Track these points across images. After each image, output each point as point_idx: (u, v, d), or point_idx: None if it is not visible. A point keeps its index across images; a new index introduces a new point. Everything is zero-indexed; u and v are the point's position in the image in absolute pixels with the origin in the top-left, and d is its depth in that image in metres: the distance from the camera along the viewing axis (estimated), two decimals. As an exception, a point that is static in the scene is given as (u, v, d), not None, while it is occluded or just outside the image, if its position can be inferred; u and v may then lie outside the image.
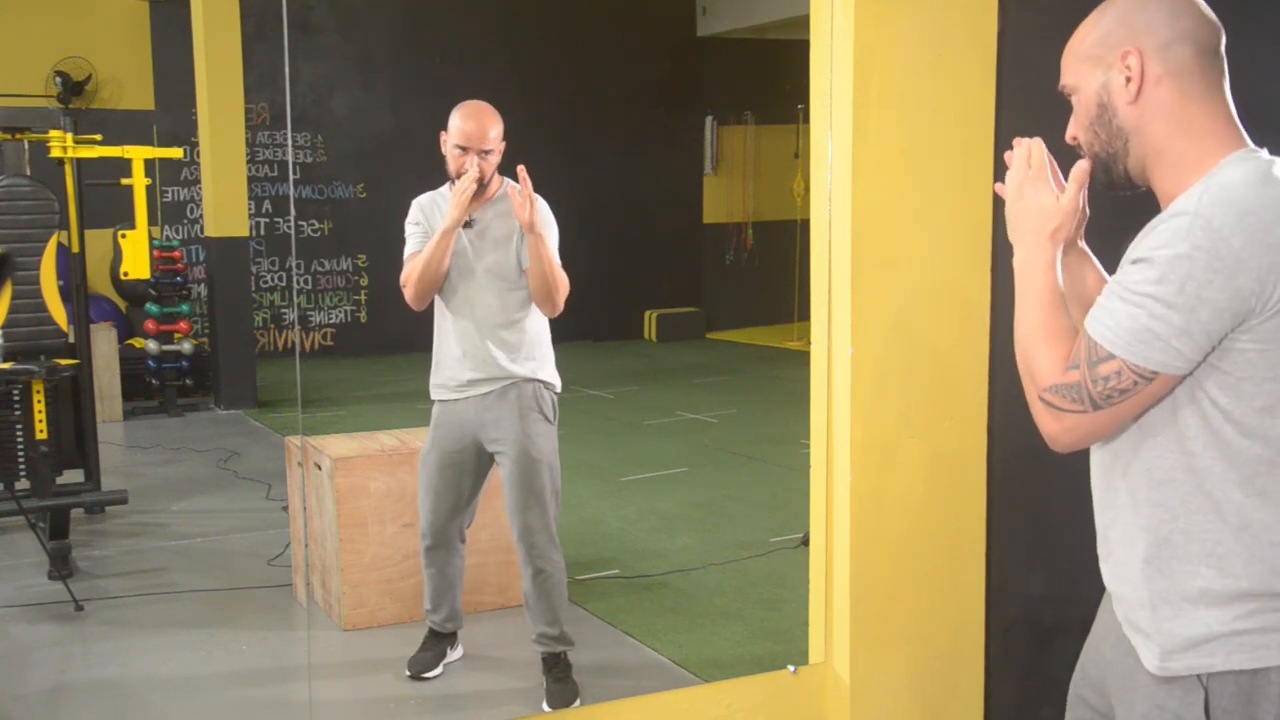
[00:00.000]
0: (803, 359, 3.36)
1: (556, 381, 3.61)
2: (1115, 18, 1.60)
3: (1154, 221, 1.53)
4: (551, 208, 3.53)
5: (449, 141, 3.45)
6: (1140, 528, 1.60)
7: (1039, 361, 1.59)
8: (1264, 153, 1.57)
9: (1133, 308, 1.48)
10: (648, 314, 12.61)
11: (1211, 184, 1.49)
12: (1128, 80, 1.57)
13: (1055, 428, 1.57)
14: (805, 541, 3.81)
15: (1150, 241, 1.49)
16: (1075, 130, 1.68)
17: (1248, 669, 1.53)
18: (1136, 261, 1.50)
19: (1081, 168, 1.66)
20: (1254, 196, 1.46)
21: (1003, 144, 2.86)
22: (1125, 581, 1.64)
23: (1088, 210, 1.72)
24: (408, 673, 3.76)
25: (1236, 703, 1.53)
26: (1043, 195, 1.66)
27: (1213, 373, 1.50)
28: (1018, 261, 1.66)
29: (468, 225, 3.48)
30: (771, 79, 12.34)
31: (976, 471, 2.97)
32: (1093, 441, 1.60)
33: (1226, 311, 1.45)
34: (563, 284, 3.45)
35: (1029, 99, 2.75)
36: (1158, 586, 1.58)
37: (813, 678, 3.01)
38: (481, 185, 3.42)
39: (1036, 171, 1.68)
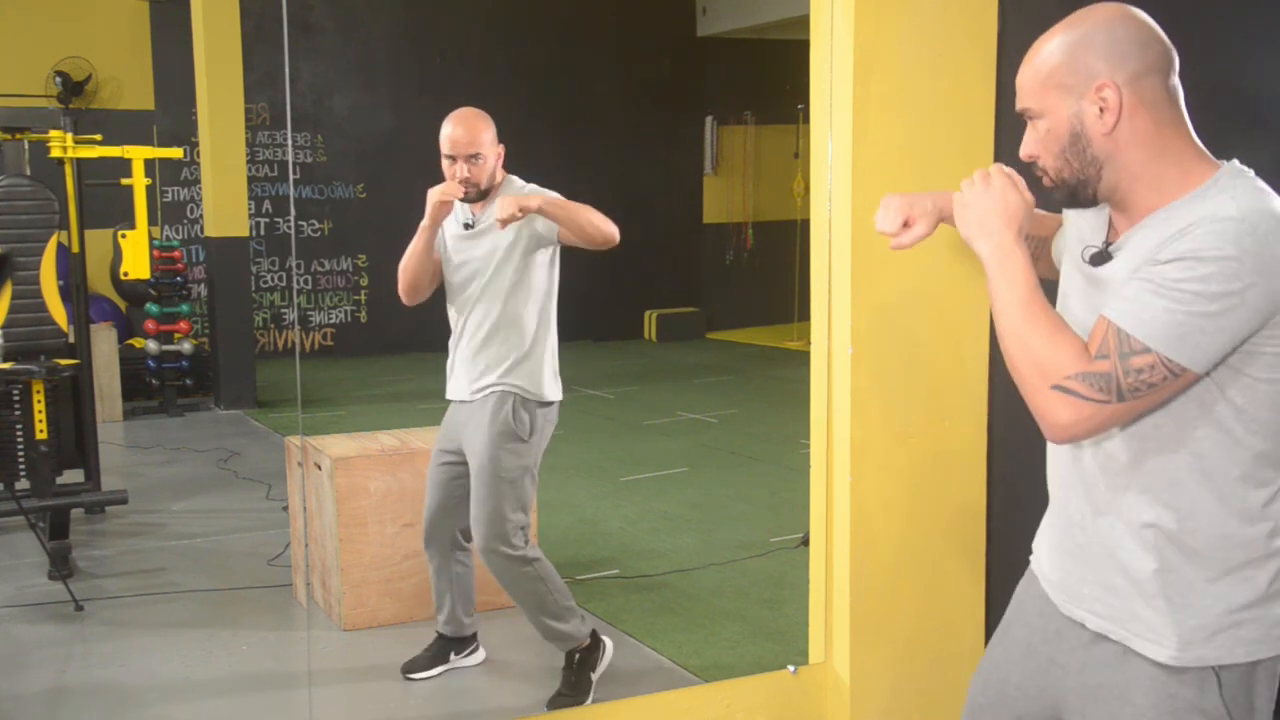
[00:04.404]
0: (803, 359, 3.35)
1: (549, 392, 3.47)
2: (1082, 45, 1.60)
3: (1178, 223, 1.53)
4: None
5: (441, 151, 3.44)
6: (1149, 523, 1.63)
7: (1053, 352, 1.56)
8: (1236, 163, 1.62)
9: (1171, 303, 1.50)
10: (648, 314, 12.61)
11: (1238, 194, 1.52)
12: (1102, 111, 1.59)
13: (1069, 416, 1.55)
14: (805, 541, 3.81)
15: (1194, 243, 1.50)
16: (1037, 151, 1.68)
17: (1252, 660, 1.60)
18: (1177, 260, 1.50)
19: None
20: None
21: (1003, 144, 2.87)
22: (1125, 578, 1.66)
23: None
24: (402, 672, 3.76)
25: (1241, 691, 1.61)
26: (1009, 191, 1.67)
27: (1228, 372, 1.54)
28: (992, 252, 1.65)
29: (468, 227, 3.48)
30: (771, 79, 12.35)
31: (977, 471, 2.97)
32: (1101, 432, 1.60)
33: (1260, 314, 1.49)
34: (596, 217, 3.31)
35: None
36: (1167, 580, 1.62)
37: (813, 678, 3.01)
38: (479, 191, 3.42)
39: (1007, 173, 1.69)
